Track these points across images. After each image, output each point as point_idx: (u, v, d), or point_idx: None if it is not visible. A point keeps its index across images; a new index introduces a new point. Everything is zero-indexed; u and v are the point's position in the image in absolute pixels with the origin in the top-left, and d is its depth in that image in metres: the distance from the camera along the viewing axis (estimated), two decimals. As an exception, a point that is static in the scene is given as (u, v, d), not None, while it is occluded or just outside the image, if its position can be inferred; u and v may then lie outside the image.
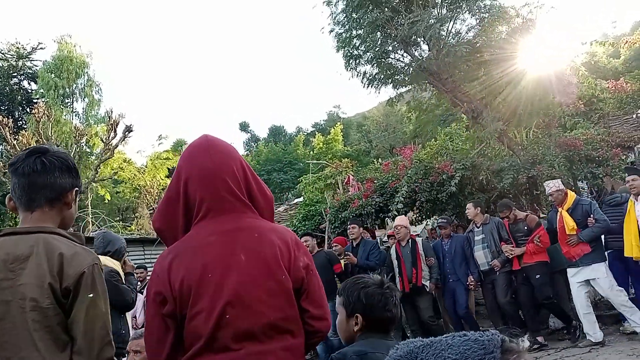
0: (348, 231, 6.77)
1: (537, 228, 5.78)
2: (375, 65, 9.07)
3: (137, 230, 17.65)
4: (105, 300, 1.57)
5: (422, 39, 8.58)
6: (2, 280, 1.46)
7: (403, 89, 10.02)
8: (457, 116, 11.73)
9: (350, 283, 1.86)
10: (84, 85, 21.93)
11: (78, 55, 21.85)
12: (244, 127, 42.07)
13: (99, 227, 14.92)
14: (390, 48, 9.00)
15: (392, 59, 9.22)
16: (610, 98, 12.93)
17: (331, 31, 9.05)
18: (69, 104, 21.80)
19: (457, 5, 8.36)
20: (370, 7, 8.34)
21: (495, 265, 5.85)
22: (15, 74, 23.60)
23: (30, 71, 23.61)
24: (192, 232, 1.57)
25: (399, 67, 9.23)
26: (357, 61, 9.06)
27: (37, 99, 21.05)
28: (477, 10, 8.43)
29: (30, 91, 23.21)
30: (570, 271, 5.47)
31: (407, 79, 9.35)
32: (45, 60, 22.23)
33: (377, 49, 8.75)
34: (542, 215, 6.81)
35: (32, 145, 12.71)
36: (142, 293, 5.38)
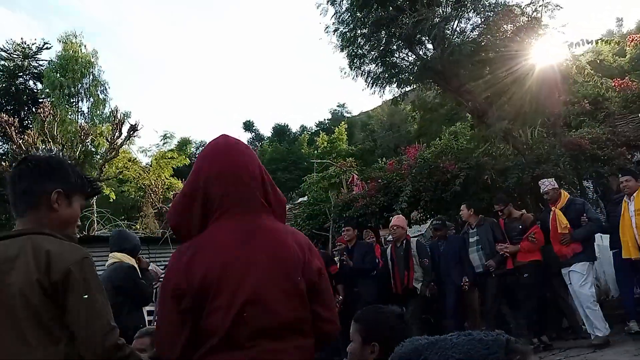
0: (343, 233, 6.72)
1: (532, 226, 5.79)
2: (380, 64, 9.05)
3: (142, 229, 17.72)
4: (102, 291, 1.61)
5: (427, 37, 8.55)
6: None
7: (407, 88, 9.99)
8: (461, 115, 11.71)
9: (371, 312, 1.89)
10: (89, 84, 22.02)
11: (83, 55, 21.95)
12: (248, 126, 42.07)
13: (104, 226, 14.99)
14: (394, 47, 8.98)
15: (396, 58, 9.20)
16: (616, 97, 12.82)
17: (335, 30, 9.05)
18: (74, 103, 21.91)
19: (462, 4, 8.32)
20: (375, 6, 8.32)
21: (490, 265, 5.81)
22: (21, 73, 23.75)
23: (36, 71, 23.76)
24: (212, 229, 1.57)
25: (404, 66, 9.20)
26: (362, 60, 9.05)
27: (43, 98, 21.11)
28: (482, 9, 8.41)
29: (35, 91, 23.35)
30: (564, 271, 5.46)
31: (411, 78, 9.30)
32: (51, 60, 22.36)
33: (382, 48, 8.74)
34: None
35: (37, 144, 12.83)
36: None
